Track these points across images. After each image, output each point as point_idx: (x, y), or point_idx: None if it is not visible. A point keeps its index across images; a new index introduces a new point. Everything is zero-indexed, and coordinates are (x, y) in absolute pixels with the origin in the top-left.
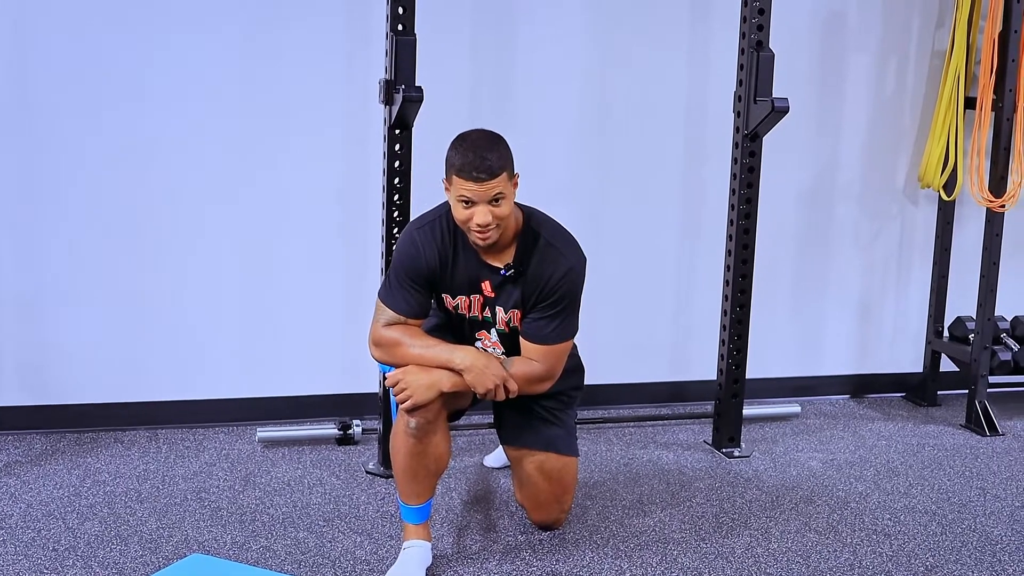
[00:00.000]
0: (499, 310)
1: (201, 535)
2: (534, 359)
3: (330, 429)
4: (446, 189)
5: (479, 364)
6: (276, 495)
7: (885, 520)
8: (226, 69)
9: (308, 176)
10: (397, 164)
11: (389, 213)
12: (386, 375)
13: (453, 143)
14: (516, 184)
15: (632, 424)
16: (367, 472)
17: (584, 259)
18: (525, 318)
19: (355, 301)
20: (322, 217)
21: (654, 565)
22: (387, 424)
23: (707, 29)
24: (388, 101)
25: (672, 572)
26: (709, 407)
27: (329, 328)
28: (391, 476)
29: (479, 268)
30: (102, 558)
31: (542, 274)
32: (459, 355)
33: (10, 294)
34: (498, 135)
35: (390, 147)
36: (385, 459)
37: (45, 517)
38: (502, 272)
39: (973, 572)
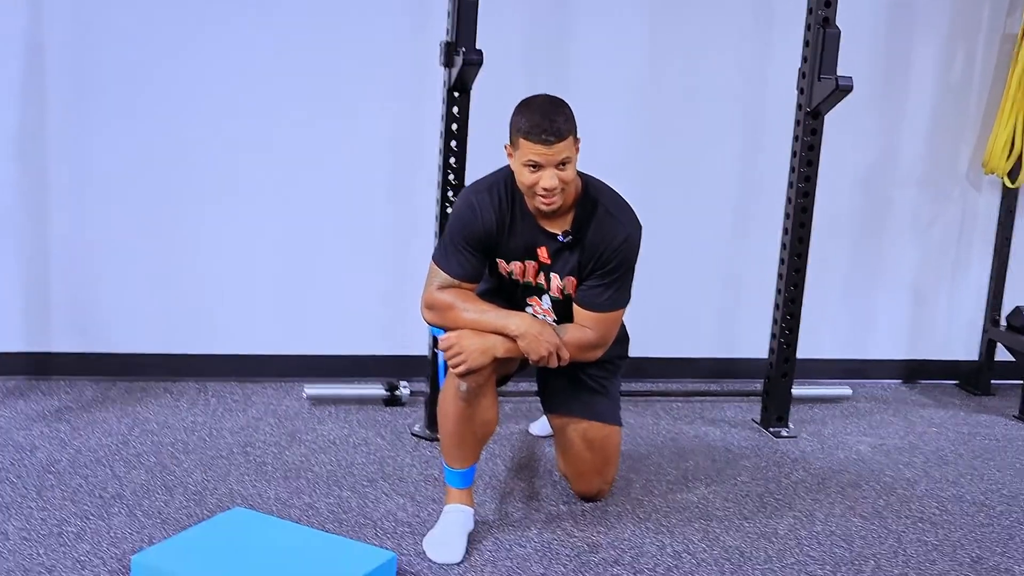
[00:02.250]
0: (554, 276)
1: (245, 489)
2: (587, 326)
3: (377, 389)
4: (509, 155)
5: (533, 330)
6: (321, 453)
7: (932, 508)
8: (276, 23)
9: (360, 135)
10: (454, 127)
11: (445, 176)
12: (438, 338)
13: (518, 107)
14: (578, 148)
15: (680, 399)
16: (412, 434)
17: (640, 228)
18: (580, 285)
19: (404, 263)
20: (373, 176)
21: (696, 542)
22: (434, 387)
23: (769, 3)
24: (448, 63)
25: (714, 550)
26: (758, 385)
27: (378, 289)
28: (436, 439)
29: (536, 234)
30: (147, 507)
31: (600, 242)
32: (514, 321)
33: (63, 240)
34: (562, 100)
35: (448, 109)
36: (431, 422)
37: (93, 464)
38: (560, 238)
39: (1019, 566)
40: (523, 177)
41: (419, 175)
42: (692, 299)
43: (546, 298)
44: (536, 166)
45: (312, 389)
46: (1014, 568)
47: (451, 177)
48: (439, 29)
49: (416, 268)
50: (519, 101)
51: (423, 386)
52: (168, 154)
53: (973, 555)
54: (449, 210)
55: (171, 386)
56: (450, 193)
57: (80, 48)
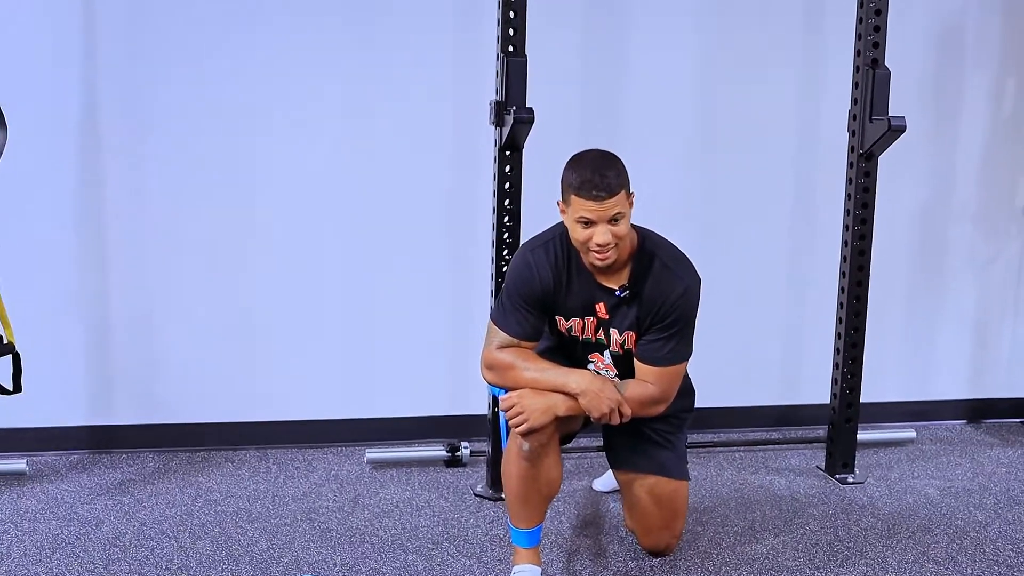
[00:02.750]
0: (613, 332)
1: (311, 556)
2: (649, 381)
3: (438, 451)
4: (562, 211)
5: (594, 388)
6: (385, 516)
7: (1007, 551)
8: (333, 91)
9: (415, 196)
10: (507, 185)
11: (499, 235)
12: (500, 398)
13: (569, 163)
14: (632, 203)
15: (742, 448)
16: (475, 494)
17: (699, 280)
18: (640, 340)
19: (462, 322)
20: (429, 237)
21: None
22: (496, 446)
23: (820, 45)
24: (499, 123)
25: None
26: (821, 431)
27: (437, 349)
28: (500, 499)
29: (593, 290)
30: None
31: (658, 296)
32: (574, 379)
33: (123, 312)
34: (613, 154)
35: (500, 168)
36: (494, 482)
37: (158, 536)
38: (617, 293)
39: None
40: (576, 233)
41: (474, 232)
42: (751, 346)
43: (607, 354)
44: (588, 222)
45: (373, 453)
46: None
47: (506, 236)
48: (482, 84)
49: (474, 327)
50: (570, 156)
51: (484, 446)
52: (226, 220)
53: None
54: (505, 268)
55: (232, 455)
56: (505, 251)
57: (133, 114)
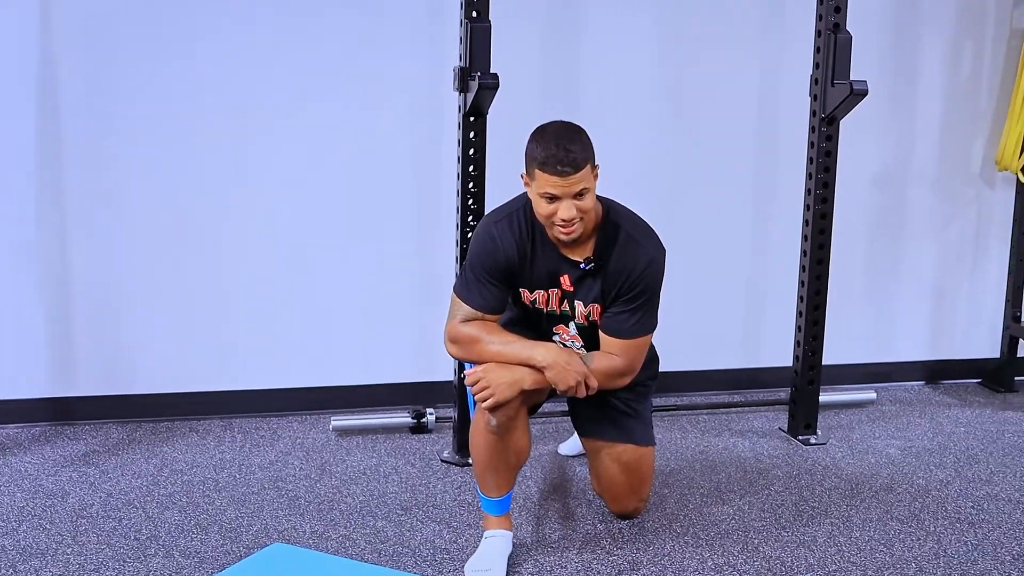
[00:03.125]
0: (578, 304)
1: (280, 524)
2: (614, 353)
3: (404, 418)
4: (526, 184)
5: (560, 361)
6: (352, 484)
7: (968, 508)
8: (290, 62)
9: (377, 164)
10: (472, 151)
11: (464, 201)
12: (465, 372)
13: (533, 136)
14: (597, 176)
15: (706, 412)
16: (442, 460)
17: (664, 251)
18: (605, 312)
19: (426, 289)
20: (393, 204)
21: (736, 554)
22: (462, 413)
23: (779, 9)
24: (463, 88)
25: (755, 561)
26: (782, 394)
27: (400, 316)
28: (467, 464)
29: (558, 262)
30: (183, 547)
31: (623, 268)
32: (540, 352)
33: (83, 285)
34: (578, 126)
35: (464, 134)
36: (461, 447)
37: (125, 506)
38: (582, 266)
39: None
40: (540, 208)
41: (439, 199)
42: (713, 311)
43: (572, 325)
44: (553, 197)
45: (338, 421)
46: None
47: (471, 202)
48: (441, 52)
49: (438, 294)
50: (534, 128)
51: (449, 412)
52: (187, 190)
53: (1014, 552)
54: (469, 235)
55: (196, 425)
56: (470, 217)
57: (94, 74)
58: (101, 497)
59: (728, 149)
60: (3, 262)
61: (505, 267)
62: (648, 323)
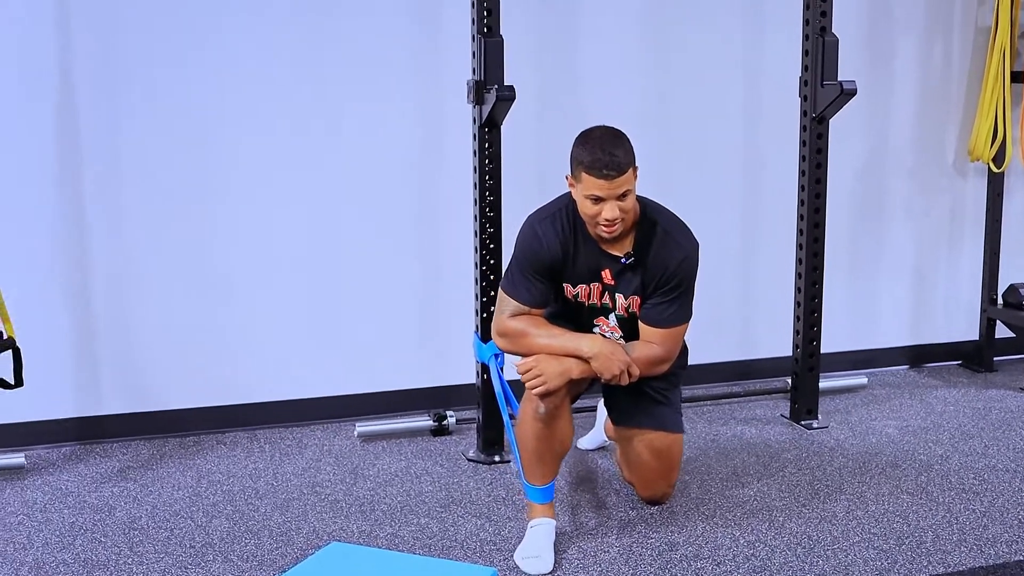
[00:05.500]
0: (619, 297)
1: (327, 526)
2: (654, 342)
3: (425, 421)
4: (571, 185)
5: (606, 351)
6: (388, 486)
7: (971, 479)
8: (297, 70)
9: (387, 173)
10: (488, 162)
11: (482, 210)
12: (516, 363)
13: (579, 140)
14: (636, 177)
15: (709, 403)
16: (468, 459)
17: (697, 246)
18: (644, 304)
19: (437, 296)
20: (400, 214)
21: (764, 531)
22: (487, 412)
23: (760, 12)
24: (479, 101)
25: (783, 536)
26: (779, 383)
27: (415, 323)
28: (493, 462)
29: (599, 257)
30: (240, 552)
31: (661, 262)
32: (586, 343)
33: (106, 304)
34: (620, 131)
35: (480, 145)
36: (486, 446)
37: (173, 517)
38: (623, 260)
39: None
40: (585, 208)
41: (446, 207)
42: (710, 306)
43: (612, 317)
44: (598, 199)
45: (363, 427)
46: None
47: (488, 211)
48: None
49: (449, 300)
50: (579, 133)
51: (466, 414)
52: (202, 211)
53: (1020, 518)
54: (489, 243)
55: (222, 437)
56: (489, 227)
57: (109, 89)
58: (147, 510)
59: (717, 148)
60: (27, 283)
61: (550, 264)
62: (684, 313)
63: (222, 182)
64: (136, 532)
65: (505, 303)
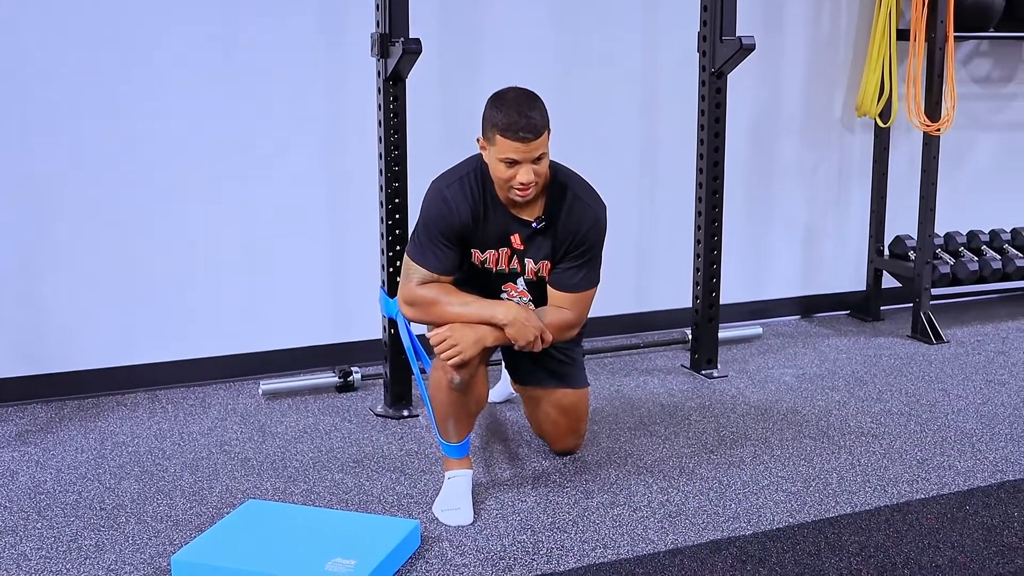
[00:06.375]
0: (528, 262)
1: (240, 484)
2: (564, 307)
3: (330, 378)
4: (482, 148)
5: (520, 318)
6: (297, 442)
7: (868, 423)
8: (207, 30)
9: (291, 131)
10: (393, 117)
11: (388, 164)
12: (429, 333)
13: (492, 102)
14: (549, 139)
15: (610, 354)
16: (376, 415)
17: (606, 209)
18: (554, 268)
19: (342, 252)
20: (303, 169)
21: (676, 477)
22: (394, 367)
23: None
24: (384, 54)
25: (694, 482)
26: (677, 334)
27: (318, 279)
28: (402, 416)
29: (509, 222)
30: (153, 512)
31: (571, 226)
32: (500, 310)
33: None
34: (535, 93)
35: (385, 100)
36: (394, 401)
37: (79, 480)
38: (534, 225)
39: (959, 462)
40: (499, 172)
41: (349, 163)
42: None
43: (521, 281)
44: (513, 162)
45: (267, 384)
46: (956, 464)
47: (394, 166)
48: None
49: (354, 256)
50: (492, 94)
51: (371, 370)
52: (101, 161)
53: (918, 458)
54: (395, 198)
55: (122, 399)
56: (395, 183)
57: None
58: (52, 474)
59: (616, 105)
60: None
61: (459, 229)
62: (594, 277)
63: (125, 141)
64: (42, 496)
65: (412, 270)
